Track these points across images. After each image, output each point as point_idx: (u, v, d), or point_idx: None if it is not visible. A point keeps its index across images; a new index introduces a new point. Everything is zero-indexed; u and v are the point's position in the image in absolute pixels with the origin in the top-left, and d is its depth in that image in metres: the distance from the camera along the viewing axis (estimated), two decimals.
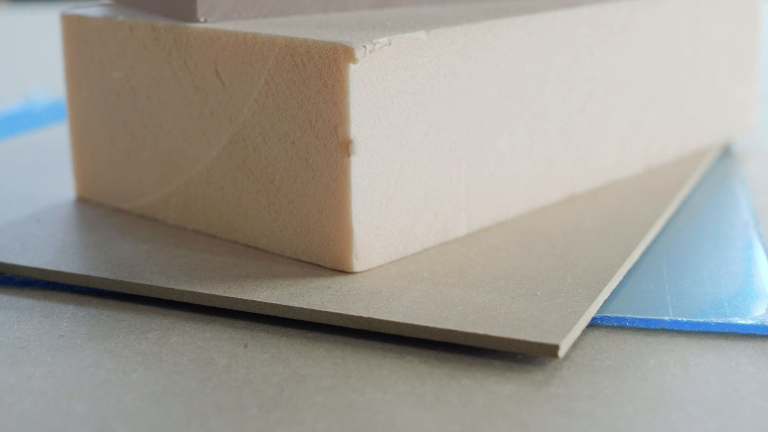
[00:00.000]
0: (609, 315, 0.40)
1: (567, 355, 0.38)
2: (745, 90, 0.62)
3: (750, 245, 0.47)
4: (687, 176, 0.55)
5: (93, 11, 0.50)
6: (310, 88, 0.41)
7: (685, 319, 0.40)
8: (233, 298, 0.40)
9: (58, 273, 0.44)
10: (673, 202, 0.51)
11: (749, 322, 0.39)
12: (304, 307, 0.39)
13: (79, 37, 0.50)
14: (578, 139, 0.51)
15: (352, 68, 0.40)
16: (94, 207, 0.51)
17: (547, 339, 0.37)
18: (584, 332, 0.39)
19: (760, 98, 0.65)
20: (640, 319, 0.40)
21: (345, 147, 0.41)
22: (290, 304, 0.40)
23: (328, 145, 0.41)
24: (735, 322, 0.39)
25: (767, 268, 0.44)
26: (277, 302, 0.40)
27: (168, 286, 0.42)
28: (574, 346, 0.38)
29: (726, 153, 0.62)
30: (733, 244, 0.48)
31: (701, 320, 0.39)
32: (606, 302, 0.41)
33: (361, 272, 0.42)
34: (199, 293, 0.41)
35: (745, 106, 0.63)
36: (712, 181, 0.57)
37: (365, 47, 0.40)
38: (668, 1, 0.55)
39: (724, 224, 0.50)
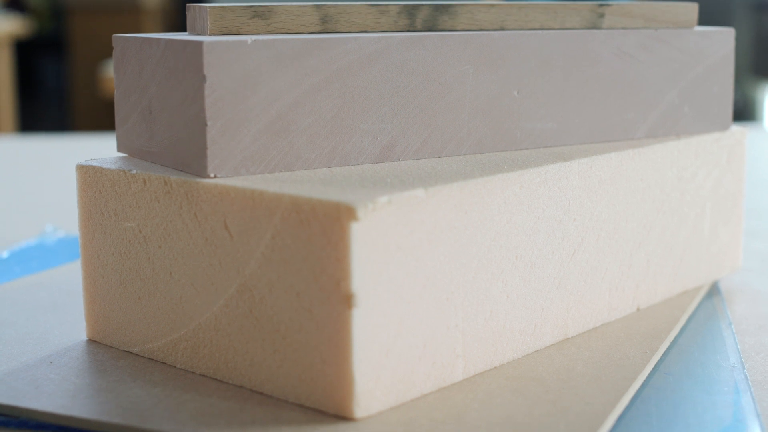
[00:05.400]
0: None
1: None
2: (731, 232, 0.65)
3: (737, 390, 0.49)
4: (675, 319, 0.57)
5: (108, 163, 0.53)
6: (314, 244, 0.44)
7: None
8: None
9: (71, 418, 0.45)
10: (662, 346, 0.53)
11: None
12: None
13: (94, 187, 0.53)
14: (570, 285, 0.54)
15: (354, 226, 0.43)
16: (105, 349, 0.53)
17: None
18: None
19: (744, 238, 0.68)
20: None
21: (347, 300, 0.43)
22: None
23: (331, 297, 0.43)
24: None
25: (753, 413, 0.46)
26: None
27: None
28: None
29: (713, 290, 0.64)
30: (719, 388, 0.49)
31: None
32: None
33: (362, 419, 0.44)
34: None
35: (731, 248, 0.65)
36: (700, 323, 0.59)
37: (367, 206, 0.43)
38: (655, 151, 0.58)
39: (711, 368, 0.52)
